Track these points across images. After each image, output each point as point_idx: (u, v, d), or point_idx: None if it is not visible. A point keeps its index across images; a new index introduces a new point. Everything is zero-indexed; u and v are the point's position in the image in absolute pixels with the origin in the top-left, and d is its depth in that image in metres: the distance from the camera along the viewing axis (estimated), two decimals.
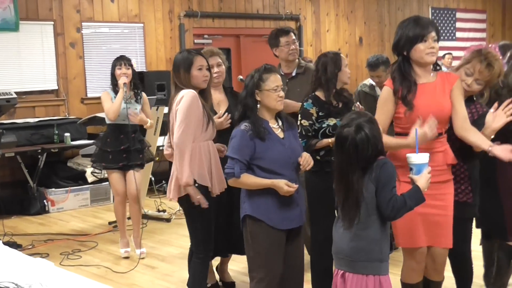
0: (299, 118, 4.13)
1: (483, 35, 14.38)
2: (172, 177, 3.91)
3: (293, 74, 5.03)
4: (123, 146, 5.55)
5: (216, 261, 4.75)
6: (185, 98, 3.77)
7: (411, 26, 3.36)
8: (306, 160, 3.45)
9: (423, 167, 3.07)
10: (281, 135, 3.49)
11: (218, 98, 4.52)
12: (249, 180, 3.39)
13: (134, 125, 5.60)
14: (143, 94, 5.75)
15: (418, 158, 3.08)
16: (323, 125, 4.07)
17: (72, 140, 7.90)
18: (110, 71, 5.64)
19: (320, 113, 4.09)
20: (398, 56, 3.46)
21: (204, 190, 3.85)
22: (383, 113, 3.45)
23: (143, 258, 5.51)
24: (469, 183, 3.70)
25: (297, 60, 5.09)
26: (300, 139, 4.03)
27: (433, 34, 3.34)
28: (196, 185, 3.81)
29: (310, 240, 4.40)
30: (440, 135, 3.38)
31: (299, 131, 4.12)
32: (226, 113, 4.34)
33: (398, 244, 3.62)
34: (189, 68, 3.89)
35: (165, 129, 4.66)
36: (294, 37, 5.02)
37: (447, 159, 3.45)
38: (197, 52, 4.02)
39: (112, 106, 5.44)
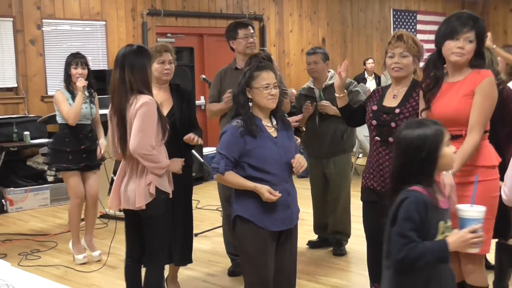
0: None
1: None
2: (124, 186, 3.74)
3: None
4: (83, 146, 5.43)
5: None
6: (144, 107, 3.59)
7: (451, 20, 3.27)
8: (299, 162, 3.40)
9: (473, 222, 2.53)
10: (274, 134, 3.43)
11: (162, 97, 4.32)
12: (234, 179, 3.35)
13: (90, 124, 5.50)
14: (95, 94, 5.59)
15: (470, 212, 2.56)
16: None
17: (32, 138, 7.78)
18: (64, 68, 5.45)
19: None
20: (437, 49, 3.37)
21: (164, 197, 3.75)
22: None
23: (99, 261, 5.46)
24: None
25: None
26: None
27: (469, 34, 3.19)
28: (163, 196, 3.72)
29: None
30: (460, 137, 3.21)
31: None
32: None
33: None
34: (150, 64, 3.80)
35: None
36: (252, 31, 4.95)
37: (474, 161, 3.23)
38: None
39: (73, 111, 5.28)
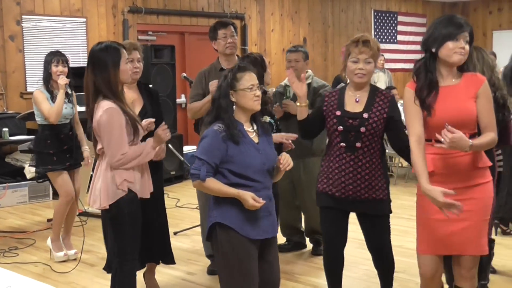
0: None
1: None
2: (94, 185, 3.66)
3: None
4: (66, 146, 5.41)
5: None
6: (104, 116, 3.48)
7: (445, 23, 3.26)
8: (286, 159, 3.29)
9: None
10: (255, 139, 3.31)
11: (132, 96, 4.24)
12: (215, 185, 3.19)
13: (69, 123, 5.47)
14: (74, 93, 5.57)
15: None
16: None
17: (11, 135, 7.72)
18: (44, 66, 5.39)
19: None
20: (426, 53, 3.31)
21: (132, 195, 3.62)
22: (413, 116, 3.27)
23: (75, 259, 5.43)
24: (384, 181, 3.80)
25: (236, 56, 4.95)
26: None
27: (466, 34, 3.21)
28: (126, 196, 3.59)
29: None
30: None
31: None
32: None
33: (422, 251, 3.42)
34: (118, 63, 3.57)
35: None
36: (233, 30, 4.88)
37: (476, 163, 3.25)
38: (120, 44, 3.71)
39: (55, 109, 5.25)
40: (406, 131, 3.46)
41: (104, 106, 3.49)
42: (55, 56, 5.39)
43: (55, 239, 5.50)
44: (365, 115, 3.69)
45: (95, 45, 3.64)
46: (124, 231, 3.65)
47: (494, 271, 4.94)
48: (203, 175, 3.17)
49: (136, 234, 3.70)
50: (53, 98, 5.34)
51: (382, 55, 11.89)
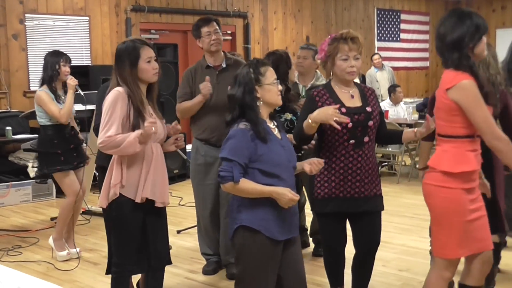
0: None
1: (426, 36, 14.72)
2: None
3: (223, 65, 4.77)
4: (72, 145, 5.43)
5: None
6: (109, 98, 3.49)
7: (475, 18, 3.16)
8: (316, 164, 3.21)
9: None
10: (278, 136, 3.22)
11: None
12: (249, 186, 3.06)
13: (70, 122, 5.48)
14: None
15: None
16: (281, 119, 4.05)
17: (14, 134, 7.73)
18: (48, 65, 5.37)
19: (276, 108, 4.06)
20: (461, 51, 3.15)
21: (123, 199, 3.50)
22: (488, 112, 3.09)
23: (77, 258, 5.43)
24: (378, 175, 3.80)
25: (221, 52, 4.84)
26: None
27: None
28: (117, 198, 3.50)
29: None
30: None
31: None
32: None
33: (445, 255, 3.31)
34: (136, 62, 3.53)
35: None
36: (216, 27, 4.77)
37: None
38: (143, 42, 3.62)
39: (66, 110, 5.27)
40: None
41: (110, 92, 3.50)
42: (63, 56, 5.41)
43: (58, 238, 5.50)
44: (369, 109, 3.65)
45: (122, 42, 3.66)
46: (115, 234, 3.62)
47: (498, 270, 4.94)
48: (236, 176, 3.04)
49: (127, 239, 3.58)
50: (56, 98, 5.34)
51: (378, 54, 11.87)
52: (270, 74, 3.17)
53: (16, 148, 8.11)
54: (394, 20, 13.97)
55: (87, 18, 9.10)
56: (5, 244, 5.90)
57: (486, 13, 14.44)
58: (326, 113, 3.34)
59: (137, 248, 3.71)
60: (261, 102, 3.16)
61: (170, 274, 4.92)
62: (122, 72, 3.53)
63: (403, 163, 9.18)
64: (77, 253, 5.44)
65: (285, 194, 3.04)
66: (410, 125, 8.25)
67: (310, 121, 3.42)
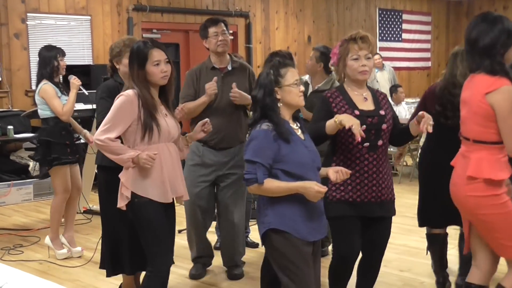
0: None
1: (428, 37, 14.71)
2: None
3: (229, 68, 4.75)
4: (75, 138, 5.50)
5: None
6: (116, 100, 3.49)
7: (506, 23, 3.22)
8: (342, 173, 3.17)
9: None
10: (301, 136, 3.22)
11: None
12: (273, 185, 3.05)
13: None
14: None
15: None
16: None
17: (16, 133, 7.74)
18: (46, 60, 5.37)
19: None
20: (486, 60, 3.20)
21: (138, 200, 3.48)
22: None
23: (80, 257, 5.45)
24: (392, 179, 3.76)
25: (227, 54, 4.81)
26: None
27: None
28: (136, 200, 3.46)
29: None
30: None
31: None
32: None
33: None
34: (143, 64, 3.50)
35: None
36: (224, 28, 4.72)
37: None
38: (153, 44, 3.57)
39: (69, 108, 5.30)
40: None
41: (122, 93, 3.49)
42: (59, 50, 5.44)
43: (55, 237, 5.50)
44: (382, 112, 3.60)
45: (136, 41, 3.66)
46: (144, 235, 3.55)
47: None
48: (260, 178, 3.03)
49: (158, 239, 3.55)
50: (60, 90, 5.39)
51: (378, 54, 11.85)
52: (290, 75, 3.16)
53: (17, 147, 8.12)
54: (396, 20, 13.95)
55: (89, 17, 9.10)
56: (7, 243, 5.91)
57: None
58: (355, 121, 3.29)
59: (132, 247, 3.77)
60: (282, 104, 3.15)
61: (171, 274, 4.91)
62: (132, 73, 3.53)
63: (404, 163, 9.17)
64: (78, 252, 5.46)
65: (312, 187, 3.02)
66: None
67: (336, 121, 3.34)
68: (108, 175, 4.11)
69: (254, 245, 5.74)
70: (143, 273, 4.30)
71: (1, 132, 7.71)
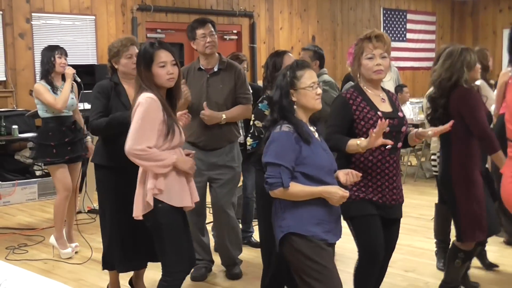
0: (252, 118, 4.04)
1: (432, 37, 14.68)
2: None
3: (215, 69, 4.69)
4: (67, 139, 5.43)
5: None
6: (141, 106, 3.35)
7: None
8: (352, 175, 3.11)
9: None
10: (319, 139, 3.16)
11: (133, 93, 3.97)
12: (298, 189, 2.98)
13: (72, 115, 5.52)
14: (74, 85, 5.61)
15: None
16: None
17: (20, 132, 7.76)
18: (44, 60, 5.45)
19: None
20: None
21: (162, 206, 3.41)
22: None
23: (77, 252, 5.49)
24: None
25: (217, 55, 4.76)
26: (251, 140, 4.01)
27: None
28: (160, 205, 3.38)
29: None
30: None
31: (251, 131, 4.02)
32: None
33: None
34: (149, 65, 3.43)
35: None
36: (212, 29, 4.64)
37: None
38: (160, 45, 3.50)
39: (62, 97, 5.32)
40: None
41: (144, 96, 3.38)
42: (57, 49, 5.47)
43: (59, 236, 5.52)
44: (400, 114, 3.55)
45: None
46: (163, 243, 3.46)
47: (497, 266, 4.96)
48: (286, 181, 2.95)
49: (178, 245, 3.50)
50: (53, 89, 5.40)
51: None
52: (307, 77, 3.09)
53: (22, 147, 8.14)
54: (400, 20, 13.93)
55: (93, 17, 9.11)
56: (11, 242, 5.92)
57: (493, 13, 14.40)
58: (376, 144, 3.24)
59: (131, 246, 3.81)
60: (297, 106, 3.10)
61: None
62: (140, 75, 3.47)
63: (408, 164, 9.16)
64: (75, 248, 5.55)
65: (336, 192, 2.98)
66: (416, 125, 8.23)
67: (359, 145, 3.26)
68: (102, 174, 4.17)
69: (259, 245, 5.73)
70: (143, 273, 4.38)
71: (6, 131, 7.73)
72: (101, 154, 4.21)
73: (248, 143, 4.08)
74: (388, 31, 13.67)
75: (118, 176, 4.08)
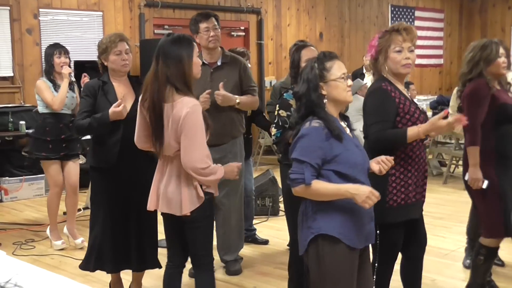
0: (277, 108, 4.01)
1: (440, 34, 14.62)
2: (162, 188, 3.38)
3: (218, 63, 4.67)
4: (63, 135, 5.50)
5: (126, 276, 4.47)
6: (193, 115, 3.20)
7: None
8: (385, 162, 2.97)
9: None
10: (351, 135, 2.99)
11: (123, 90, 4.09)
12: (322, 186, 2.80)
13: (71, 114, 5.55)
14: (75, 83, 5.66)
15: None
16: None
17: (27, 128, 7.77)
18: (45, 58, 5.57)
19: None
20: None
21: (209, 197, 3.39)
22: None
23: (82, 248, 5.50)
24: None
25: (219, 48, 4.71)
26: (275, 129, 3.98)
27: None
28: (207, 197, 3.36)
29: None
30: None
31: (275, 121, 3.99)
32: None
33: None
34: (191, 56, 3.28)
35: None
36: (215, 23, 4.60)
37: None
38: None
39: (59, 96, 5.40)
40: None
41: (189, 103, 3.19)
42: (57, 48, 5.54)
43: (53, 228, 5.68)
44: (422, 108, 3.47)
45: (166, 36, 3.36)
46: (204, 232, 3.46)
47: (502, 264, 4.95)
48: (308, 178, 2.78)
49: (211, 236, 3.59)
50: (55, 87, 5.48)
51: None
52: (337, 69, 2.91)
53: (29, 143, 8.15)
54: (408, 17, 13.89)
55: (101, 13, 9.11)
56: (18, 238, 5.94)
57: (501, 11, 14.33)
58: (440, 127, 3.18)
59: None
60: (328, 100, 2.91)
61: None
62: (180, 76, 3.29)
63: None
64: (80, 244, 5.60)
65: (364, 192, 2.76)
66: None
67: (420, 132, 3.19)
68: (93, 175, 4.16)
69: (264, 242, 5.74)
70: (143, 274, 4.38)
71: (13, 127, 7.75)
72: (92, 155, 4.20)
73: (272, 133, 4.07)
74: None
75: (108, 177, 4.06)
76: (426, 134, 3.23)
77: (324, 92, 2.89)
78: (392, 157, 3.03)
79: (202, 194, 3.31)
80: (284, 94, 4.03)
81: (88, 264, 4.24)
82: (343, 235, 2.83)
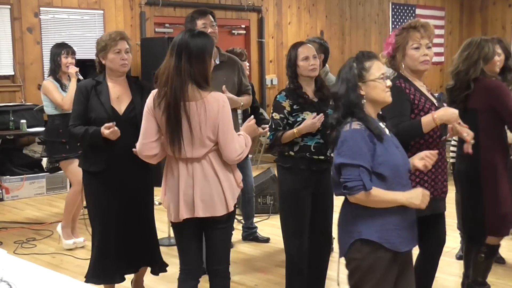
0: (271, 111, 4.01)
1: (441, 31, 14.61)
2: (200, 192, 3.24)
3: (217, 62, 4.50)
4: None
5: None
6: (226, 108, 3.21)
7: None
8: (429, 157, 2.92)
9: None
10: (390, 135, 2.89)
11: (119, 90, 3.97)
12: (381, 193, 2.69)
13: None
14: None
15: None
16: (298, 119, 3.90)
17: (28, 127, 7.78)
18: (52, 57, 5.55)
19: (295, 106, 3.93)
20: None
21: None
22: None
23: (83, 247, 5.52)
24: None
25: (215, 47, 4.56)
26: (269, 132, 3.97)
27: None
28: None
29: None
30: None
31: (269, 124, 4.00)
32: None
33: None
34: (211, 53, 3.28)
35: None
36: (212, 20, 4.46)
37: None
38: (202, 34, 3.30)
39: (69, 96, 5.29)
40: None
41: (220, 97, 3.21)
42: (64, 48, 5.54)
43: (66, 226, 5.61)
44: (438, 105, 3.44)
45: (185, 32, 3.26)
46: (231, 234, 3.50)
47: (503, 261, 4.95)
48: (368, 183, 2.65)
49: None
50: (62, 87, 5.48)
51: None
52: (376, 69, 2.83)
53: (30, 141, 8.16)
54: (409, 14, 13.87)
55: (102, 11, 9.11)
56: (19, 236, 5.95)
57: (502, 9, 14.32)
58: (452, 115, 3.17)
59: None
60: (366, 100, 2.83)
61: (172, 274, 4.91)
62: (203, 72, 3.25)
63: None
64: (81, 243, 5.57)
65: (417, 193, 2.74)
66: None
67: (435, 119, 3.16)
68: (85, 178, 4.08)
69: (265, 240, 5.74)
70: (145, 272, 4.34)
71: (14, 126, 7.75)
72: (83, 159, 4.12)
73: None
74: (397, 26, 13.59)
75: (99, 180, 3.97)
76: (442, 123, 3.21)
77: (362, 93, 2.82)
78: (436, 151, 2.99)
79: (241, 183, 3.34)
80: (277, 96, 4.00)
81: (93, 278, 4.03)
82: (384, 239, 2.75)
